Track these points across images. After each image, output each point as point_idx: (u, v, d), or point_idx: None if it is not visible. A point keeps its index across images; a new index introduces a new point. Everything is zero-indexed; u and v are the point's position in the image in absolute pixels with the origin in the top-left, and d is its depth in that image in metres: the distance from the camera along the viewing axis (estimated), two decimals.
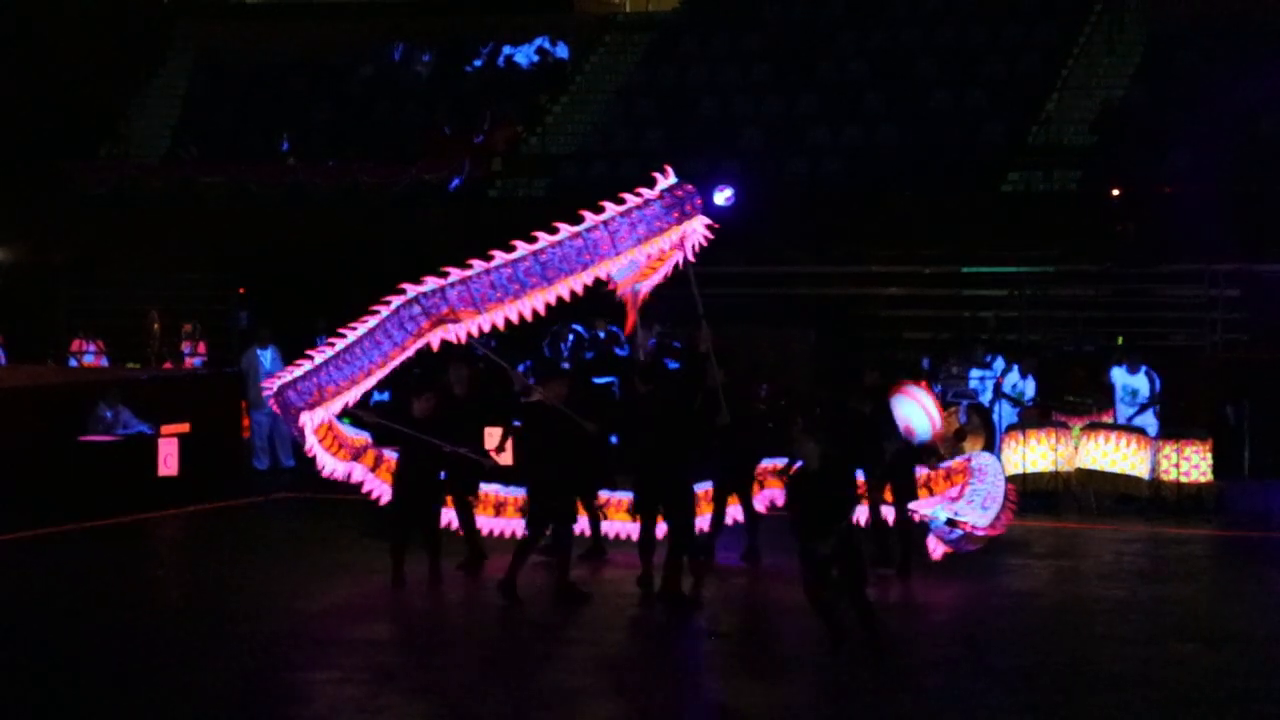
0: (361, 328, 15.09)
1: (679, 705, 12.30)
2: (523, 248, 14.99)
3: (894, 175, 29.67)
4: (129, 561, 17.65)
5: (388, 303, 15.01)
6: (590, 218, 15.01)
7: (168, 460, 20.62)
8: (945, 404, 21.06)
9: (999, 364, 21.89)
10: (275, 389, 15.42)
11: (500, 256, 14.99)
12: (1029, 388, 21.45)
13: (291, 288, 30.26)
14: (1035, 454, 20.10)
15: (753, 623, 15.11)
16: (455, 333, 15.05)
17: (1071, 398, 21.10)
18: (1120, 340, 22.96)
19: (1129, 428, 20.08)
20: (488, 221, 30.89)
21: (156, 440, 20.64)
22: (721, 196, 27.31)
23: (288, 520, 20.21)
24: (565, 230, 15.01)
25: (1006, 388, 21.40)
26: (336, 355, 15.11)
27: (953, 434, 20.98)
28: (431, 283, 14.93)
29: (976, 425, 20.94)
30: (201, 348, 28.13)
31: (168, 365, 27.33)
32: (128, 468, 20.21)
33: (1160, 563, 17.42)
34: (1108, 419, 20.50)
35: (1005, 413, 21.20)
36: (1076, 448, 20.10)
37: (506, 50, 36.00)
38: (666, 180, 15.15)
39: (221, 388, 23.23)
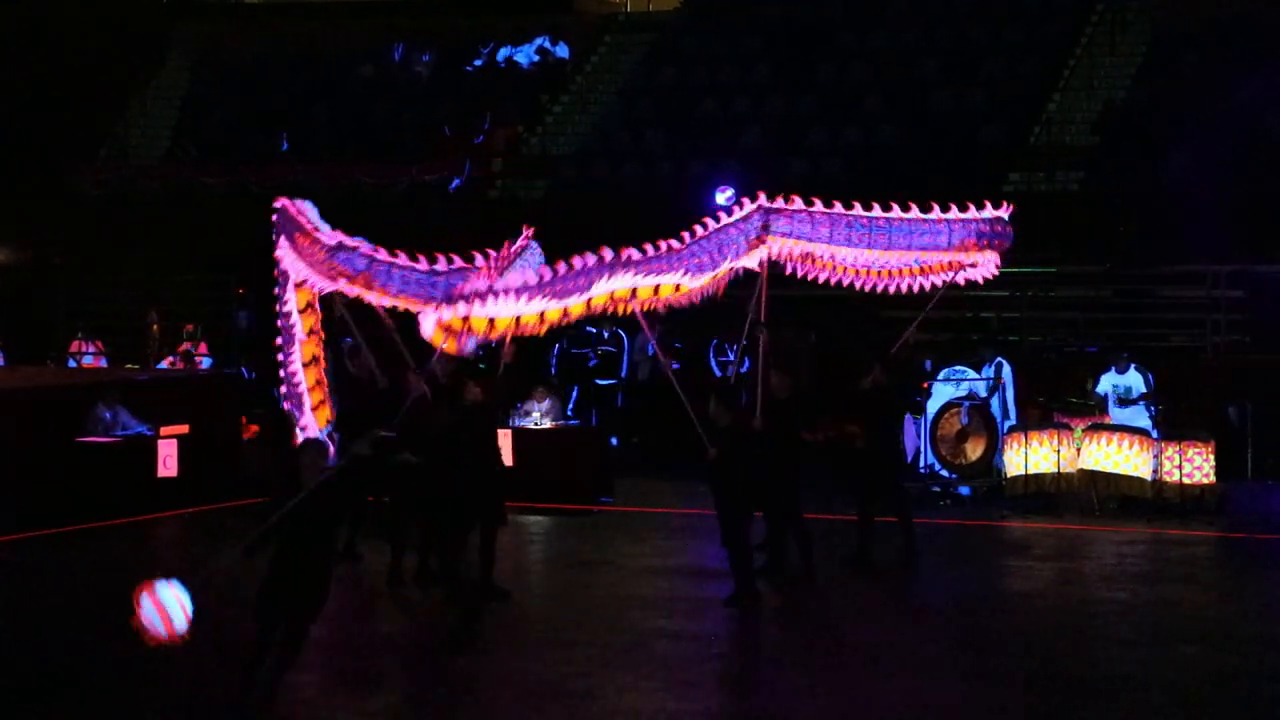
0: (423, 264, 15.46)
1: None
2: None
3: (895, 176, 29.59)
4: (127, 563, 17.58)
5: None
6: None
7: (167, 461, 20.55)
8: (947, 405, 21.02)
9: (1005, 368, 21.81)
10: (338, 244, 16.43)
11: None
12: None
13: None
14: (1037, 455, 20.05)
15: (755, 626, 15.06)
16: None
17: (1074, 399, 21.05)
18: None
19: (1132, 429, 20.01)
20: (488, 221, 30.96)
21: (156, 441, 20.57)
22: (722, 197, 27.27)
23: None
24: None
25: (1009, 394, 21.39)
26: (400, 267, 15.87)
27: (954, 435, 20.95)
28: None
29: (978, 426, 20.90)
30: (202, 348, 28.05)
31: (169, 361, 27.27)
32: (127, 469, 20.15)
33: (1163, 565, 17.38)
34: (1108, 420, 20.44)
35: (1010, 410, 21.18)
36: (1079, 449, 20.05)
37: (506, 50, 35.93)
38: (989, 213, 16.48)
39: (221, 389, 23.17)
